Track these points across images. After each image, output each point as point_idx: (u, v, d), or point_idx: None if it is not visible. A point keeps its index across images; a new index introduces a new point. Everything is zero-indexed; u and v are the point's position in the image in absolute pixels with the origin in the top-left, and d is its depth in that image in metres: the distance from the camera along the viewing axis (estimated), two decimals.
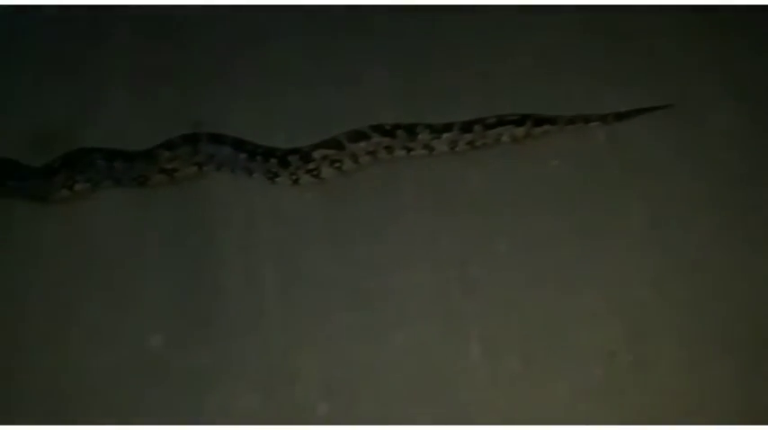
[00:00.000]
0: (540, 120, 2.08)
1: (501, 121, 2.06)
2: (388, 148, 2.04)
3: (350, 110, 2.20)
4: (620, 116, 2.12)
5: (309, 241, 1.93)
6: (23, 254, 1.98)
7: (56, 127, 2.27)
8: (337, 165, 2.03)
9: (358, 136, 2.03)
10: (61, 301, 1.86)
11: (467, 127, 2.05)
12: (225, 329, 1.78)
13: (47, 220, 2.04)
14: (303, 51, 2.45)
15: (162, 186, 2.06)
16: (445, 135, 2.05)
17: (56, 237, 2.00)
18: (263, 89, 2.33)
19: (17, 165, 2.08)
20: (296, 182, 2.02)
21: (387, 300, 1.80)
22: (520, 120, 2.07)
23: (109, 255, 1.95)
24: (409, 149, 2.05)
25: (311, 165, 2.01)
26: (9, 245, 2.01)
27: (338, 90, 2.29)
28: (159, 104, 2.30)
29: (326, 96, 2.27)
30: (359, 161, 2.05)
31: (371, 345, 1.73)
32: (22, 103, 2.37)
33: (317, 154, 2.00)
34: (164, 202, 2.05)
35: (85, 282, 1.89)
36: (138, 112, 2.28)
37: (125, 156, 2.04)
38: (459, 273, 1.84)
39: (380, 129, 2.04)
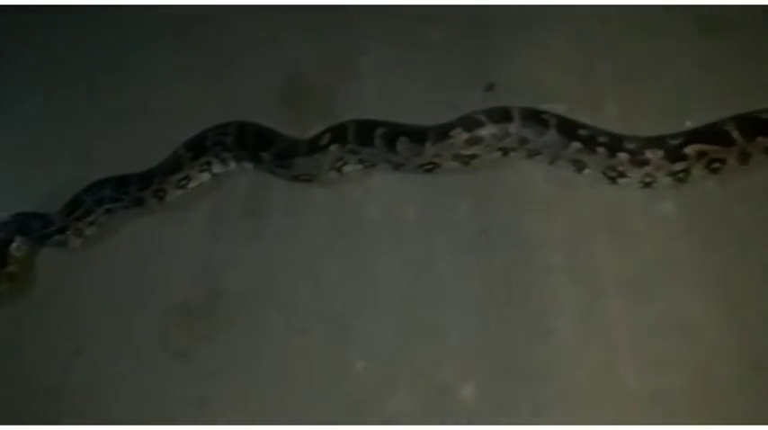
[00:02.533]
0: None
1: None
2: None
3: None
4: None
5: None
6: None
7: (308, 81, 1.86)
8: (717, 166, 1.37)
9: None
10: None
11: None
12: None
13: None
14: None
15: (450, 173, 1.57)
16: None
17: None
18: None
19: (274, 136, 1.69)
20: (648, 185, 1.41)
21: None
22: None
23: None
24: None
25: (678, 166, 1.37)
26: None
27: None
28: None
29: None
30: (749, 162, 1.37)
31: None
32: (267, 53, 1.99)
33: (690, 150, 1.36)
34: (452, 192, 1.56)
35: None
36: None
37: (412, 134, 1.54)
38: None
39: None
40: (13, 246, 1.85)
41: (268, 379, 1.49)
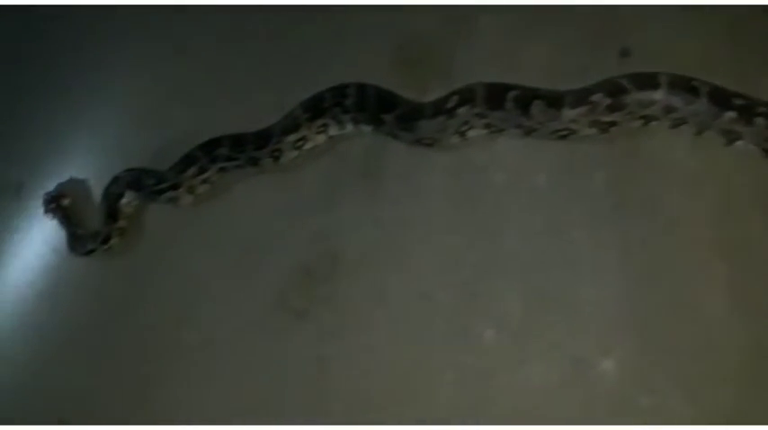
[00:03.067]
0: None
1: None
2: None
3: None
4: None
5: None
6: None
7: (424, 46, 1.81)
8: None
9: None
10: None
11: None
12: None
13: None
14: None
15: (586, 141, 1.50)
16: None
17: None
18: None
19: (396, 99, 1.63)
20: None
21: None
22: None
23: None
24: None
25: None
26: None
27: None
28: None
29: None
30: None
31: None
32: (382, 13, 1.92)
33: None
34: (587, 161, 1.49)
35: None
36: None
37: (548, 98, 1.47)
38: None
39: None
40: (124, 201, 1.87)
41: (389, 342, 1.48)
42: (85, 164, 2.06)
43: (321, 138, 1.72)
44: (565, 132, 1.48)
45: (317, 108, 1.69)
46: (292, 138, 1.70)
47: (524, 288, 1.42)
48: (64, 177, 2.04)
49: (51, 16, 2.28)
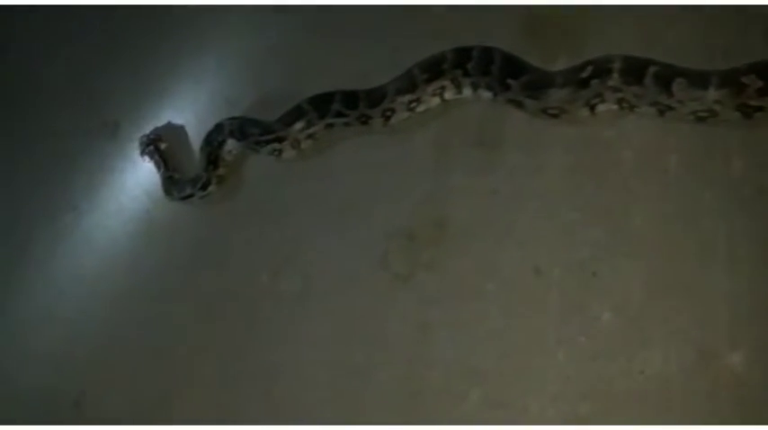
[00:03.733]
0: None
1: None
2: None
3: None
4: None
5: None
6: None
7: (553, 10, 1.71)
8: None
9: None
10: None
11: None
12: None
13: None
14: None
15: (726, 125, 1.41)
16: None
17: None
18: None
19: (523, 64, 1.56)
20: None
21: None
22: None
23: None
24: None
25: None
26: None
27: None
28: None
29: None
30: None
31: None
32: None
33: None
34: (726, 146, 1.39)
35: None
36: None
37: (692, 76, 1.37)
38: None
39: None
40: (226, 148, 1.86)
41: (499, 314, 1.44)
42: (183, 109, 2.06)
43: (435, 101, 1.67)
44: (705, 114, 1.40)
45: (437, 69, 1.64)
46: (407, 98, 1.66)
47: (648, 272, 1.36)
48: (162, 121, 2.04)
49: None
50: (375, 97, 1.68)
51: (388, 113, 1.68)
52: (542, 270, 1.44)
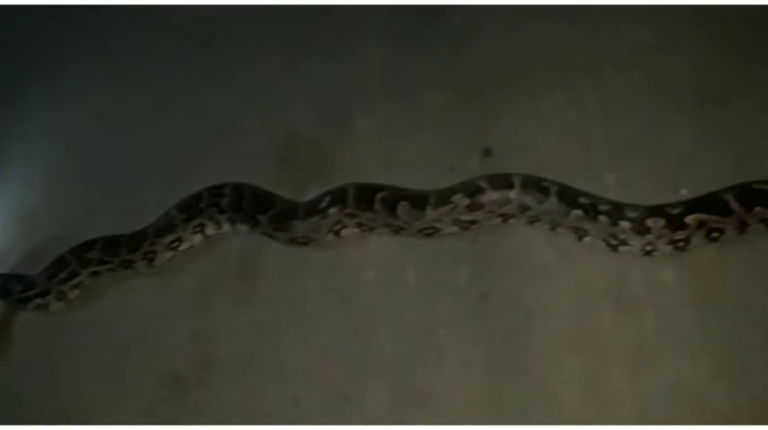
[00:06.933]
0: None
1: None
2: None
3: None
4: None
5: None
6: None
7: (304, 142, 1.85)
8: (715, 235, 1.39)
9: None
10: None
11: None
12: None
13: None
14: None
15: (450, 238, 1.56)
16: None
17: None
18: None
19: (271, 199, 1.66)
20: (649, 253, 1.41)
21: None
22: None
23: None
24: None
25: (679, 234, 1.38)
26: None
27: None
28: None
29: None
30: (746, 231, 1.39)
31: None
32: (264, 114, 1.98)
33: (690, 219, 1.38)
34: (452, 257, 1.54)
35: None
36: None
37: (413, 198, 1.53)
38: None
39: None
40: None
41: None
42: None
43: (197, 239, 1.71)
44: (430, 230, 1.53)
45: (193, 208, 1.69)
46: (168, 239, 1.68)
47: (394, 387, 1.41)
48: None
49: None
50: (136, 241, 1.69)
51: (151, 255, 1.69)
52: (300, 398, 1.46)
